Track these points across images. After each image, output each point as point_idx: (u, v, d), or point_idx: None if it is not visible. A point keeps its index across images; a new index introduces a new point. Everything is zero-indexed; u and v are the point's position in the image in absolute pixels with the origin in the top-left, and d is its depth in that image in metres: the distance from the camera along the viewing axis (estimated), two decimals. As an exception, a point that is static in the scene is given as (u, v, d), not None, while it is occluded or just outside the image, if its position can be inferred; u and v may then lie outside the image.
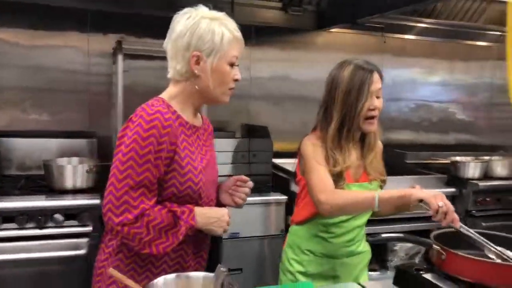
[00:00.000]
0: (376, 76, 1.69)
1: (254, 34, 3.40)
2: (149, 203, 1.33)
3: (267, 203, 2.67)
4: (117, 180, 1.30)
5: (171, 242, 1.34)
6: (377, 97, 1.70)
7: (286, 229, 2.73)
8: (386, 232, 2.92)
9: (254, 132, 3.13)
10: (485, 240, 1.39)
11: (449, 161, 3.31)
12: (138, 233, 1.30)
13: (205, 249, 1.58)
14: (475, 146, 4.12)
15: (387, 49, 3.76)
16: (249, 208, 2.60)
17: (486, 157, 3.30)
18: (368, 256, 1.89)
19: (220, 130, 3.30)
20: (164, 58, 1.46)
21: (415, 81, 3.95)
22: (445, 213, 1.41)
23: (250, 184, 1.59)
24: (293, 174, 2.91)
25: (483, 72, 4.19)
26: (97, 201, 2.34)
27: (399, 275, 1.42)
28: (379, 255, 2.92)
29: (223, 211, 1.48)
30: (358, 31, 3.61)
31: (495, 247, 1.37)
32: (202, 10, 1.42)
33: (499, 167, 3.18)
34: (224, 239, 2.58)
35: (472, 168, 3.11)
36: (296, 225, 1.87)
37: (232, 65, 1.43)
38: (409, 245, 2.97)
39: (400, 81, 3.90)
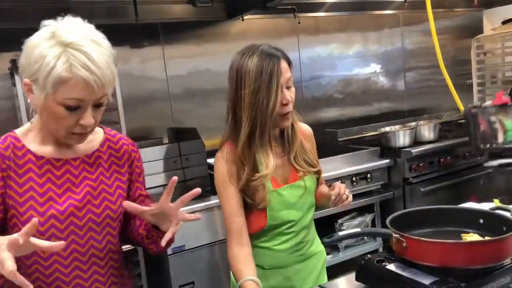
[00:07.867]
0: (283, 64, 1.45)
1: (163, 31, 3.20)
2: None
3: (209, 208, 2.53)
4: None
5: None
6: (288, 87, 1.48)
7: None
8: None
9: (183, 135, 2.97)
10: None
11: (378, 133, 3.36)
12: None
13: None
14: (397, 113, 4.24)
15: (302, 29, 3.72)
16: (191, 218, 2.45)
17: (413, 123, 3.38)
18: (323, 256, 1.73)
19: (145, 138, 3.09)
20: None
21: (333, 57, 3.96)
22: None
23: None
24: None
25: (394, 39, 4.30)
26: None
27: (361, 270, 1.36)
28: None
29: None
30: (270, 15, 3.53)
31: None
32: (63, 25, 1.12)
33: (426, 131, 3.26)
34: (169, 254, 2.42)
35: (402, 137, 3.17)
36: None
37: (70, 108, 1.10)
38: (356, 222, 2.99)
39: (318, 59, 3.88)
